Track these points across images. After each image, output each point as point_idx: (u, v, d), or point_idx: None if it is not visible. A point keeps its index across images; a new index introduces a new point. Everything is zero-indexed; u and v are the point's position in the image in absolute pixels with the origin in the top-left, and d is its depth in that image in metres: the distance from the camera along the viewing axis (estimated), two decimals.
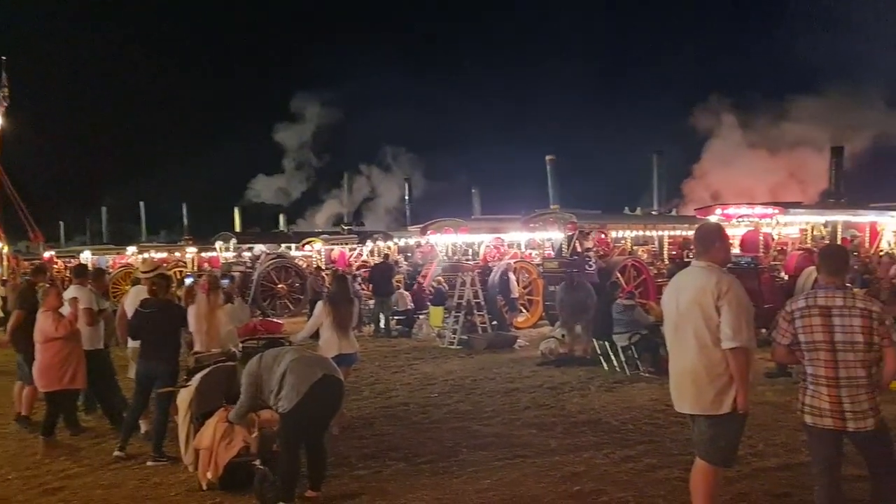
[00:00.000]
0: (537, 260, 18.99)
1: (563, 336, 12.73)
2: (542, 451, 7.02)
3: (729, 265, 4.93)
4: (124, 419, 7.70)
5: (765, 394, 8.91)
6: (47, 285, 8.70)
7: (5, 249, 21.39)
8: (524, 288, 18.01)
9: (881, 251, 18.27)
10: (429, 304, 17.53)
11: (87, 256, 30.31)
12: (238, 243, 28.06)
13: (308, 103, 47.34)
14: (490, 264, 18.14)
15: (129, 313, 7.90)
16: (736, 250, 14.50)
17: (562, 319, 13.03)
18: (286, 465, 5.64)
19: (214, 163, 50.25)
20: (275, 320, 18.01)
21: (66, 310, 7.76)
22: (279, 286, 22.77)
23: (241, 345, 8.59)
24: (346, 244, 27.68)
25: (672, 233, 18.43)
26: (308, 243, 27.89)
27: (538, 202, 25.03)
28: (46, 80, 54.15)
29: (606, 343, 11.45)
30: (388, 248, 26.25)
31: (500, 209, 27.22)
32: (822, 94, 31.05)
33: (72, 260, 28.39)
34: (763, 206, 15.53)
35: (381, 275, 17.68)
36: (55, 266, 26.70)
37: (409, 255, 26.01)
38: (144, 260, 19.96)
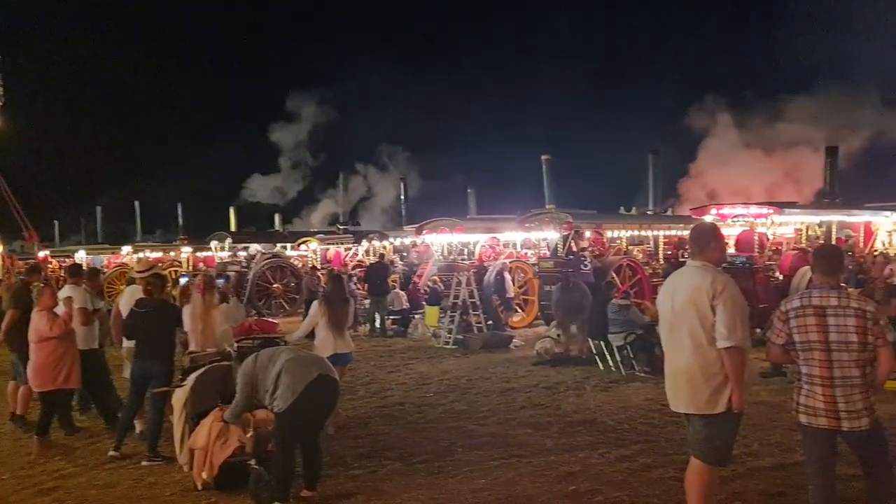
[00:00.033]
0: (533, 260, 19.00)
1: (558, 336, 12.74)
2: (538, 450, 7.03)
3: (724, 265, 4.94)
4: (119, 419, 7.69)
5: (760, 393, 8.93)
6: (42, 285, 8.67)
7: (0, 249, 21.33)
8: (520, 288, 18.02)
9: (875, 251, 18.32)
10: (424, 303, 17.53)
11: (81, 256, 30.25)
12: (233, 243, 28.03)
13: (304, 102, 47.42)
14: (486, 264, 18.15)
15: (124, 313, 7.88)
16: (731, 250, 14.52)
17: (557, 319, 13.04)
18: (281, 465, 5.63)
19: (210, 162, 50.22)
20: (270, 320, 17.99)
21: (60, 309, 7.74)
22: (274, 286, 22.76)
23: (236, 344, 8.57)
24: (342, 244, 27.67)
25: (667, 233, 18.47)
26: (304, 243, 27.88)
27: (534, 202, 25.09)
28: (42, 80, 54.11)
29: (602, 343, 11.46)
30: (384, 247, 26.24)
31: (496, 209, 27.24)
32: (817, 94, 31.17)
33: (67, 259, 28.31)
34: (758, 205, 15.54)
35: (376, 274, 17.67)
36: (50, 265, 26.67)
37: (405, 254, 26.01)
38: (139, 259, 19.93)
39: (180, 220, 44.33)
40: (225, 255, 27.27)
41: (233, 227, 39.67)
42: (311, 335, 8.31)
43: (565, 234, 15.88)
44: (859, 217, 18.53)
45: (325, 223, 40.47)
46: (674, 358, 4.67)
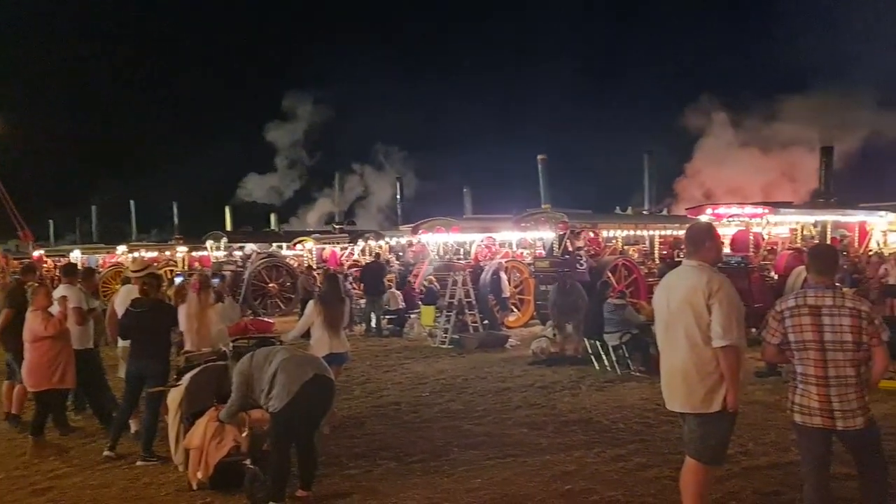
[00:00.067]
0: (528, 259, 19.01)
1: (554, 335, 12.76)
2: (533, 450, 7.03)
3: (719, 264, 4.95)
4: (114, 419, 7.67)
5: (755, 393, 8.95)
6: (37, 284, 8.65)
7: None
8: (515, 287, 18.03)
9: (870, 251, 18.38)
10: (420, 303, 17.53)
11: (76, 255, 30.19)
12: (229, 242, 27.99)
13: (300, 102, 47.33)
14: (481, 264, 18.14)
15: (119, 312, 7.87)
16: (726, 250, 14.55)
17: (553, 319, 13.05)
18: (277, 465, 5.63)
19: (205, 162, 50.10)
20: (266, 319, 17.98)
21: (55, 309, 7.72)
22: (270, 285, 22.74)
23: (231, 344, 8.55)
24: (338, 243, 27.65)
25: (663, 232, 18.49)
26: (299, 242, 27.85)
27: (529, 202, 25.02)
28: (37, 79, 53.95)
29: (597, 342, 11.48)
30: (380, 247, 26.23)
31: (492, 209, 27.22)
32: (812, 94, 31.20)
33: (61, 259, 28.25)
34: (753, 205, 15.58)
35: (372, 274, 17.66)
36: (45, 265, 26.57)
37: (401, 254, 26.00)
38: (134, 259, 19.91)
39: (176, 220, 44.17)
40: (220, 254, 27.24)
41: (228, 227, 39.54)
42: (306, 335, 8.30)
43: (561, 233, 15.90)
44: (854, 217, 18.58)
45: (322, 223, 40.38)
46: (669, 357, 4.68)
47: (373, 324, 16.96)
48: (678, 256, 16.30)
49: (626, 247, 18.42)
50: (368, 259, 22.41)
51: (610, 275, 14.97)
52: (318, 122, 47.33)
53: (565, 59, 56.87)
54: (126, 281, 9.81)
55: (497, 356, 13.10)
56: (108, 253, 33.10)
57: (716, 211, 15.21)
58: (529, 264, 18.19)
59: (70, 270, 8.85)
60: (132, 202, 45.81)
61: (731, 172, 28.82)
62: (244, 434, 6.11)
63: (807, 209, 17.84)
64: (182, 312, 8.15)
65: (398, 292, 18.37)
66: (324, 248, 27.47)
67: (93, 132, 62.54)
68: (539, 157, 25.82)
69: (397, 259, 24.70)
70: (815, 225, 16.65)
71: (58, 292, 8.13)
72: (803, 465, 4.52)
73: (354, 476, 6.45)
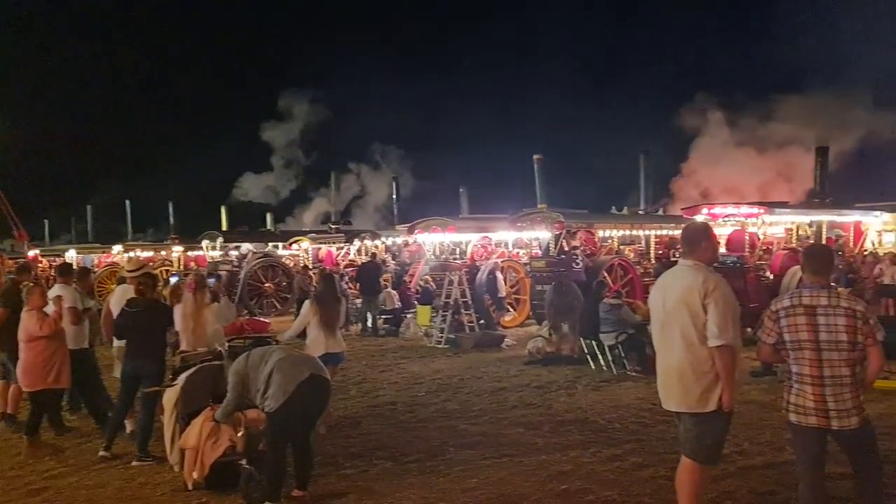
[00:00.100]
0: (525, 259, 19.02)
1: (550, 335, 12.76)
2: (529, 449, 7.04)
3: (715, 264, 4.96)
4: (109, 419, 7.66)
5: (750, 392, 8.97)
6: (32, 284, 8.63)
7: None
8: (511, 287, 18.05)
9: (865, 251, 18.44)
10: (416, 303, 17.53)
11: (72, 255, 30.11)
12: (225, 242, 27.96)
13: (296, 101, 47.31)
14: (477, 263, 18.16)
15: (115, 312, 7.85)
16: (722, 250, 14.57)
17: (549, 319, 13.06)
18: (272, 465, 5.62)
19: (201, 161, 50.14)
20: (262, 319, 18.00)
21: (50, 309, 7.70)
22: (266, 285, 22.72)
23: (227, 344, 8.55)
24: (334, 243, 27.64)
25: (659, 232, 18.51)
26: (295, 242, 27.83)
27: (526, 201, 25.08)
28: (32, 79, 53.82)
29: (593, 342, 11.49)
30: (376, 246, 26.22)
31: (488, 208, 27.24)
32: (808, 94, 31.29)
33: (57, 259, 28.17)
34: (749, 205, 15.60)
35: (368, 274, 17.66)
36: (40, 265, 26.50)
37: (397, 253, 25.99)
38: (130, 259, 19.86)
39: (171, 220, 44.12)
40: (216, 254, 27.20)
41: (224, 227, 39.51)
42: (302, 334, 8.29)
43: (557, 233, 15.91)
44: (849, 217, 18.64)
45: (318, 222, 40.38)
46: (665, 357, 4.68)
47: (369, 323, 16.96)
48: (674, 256, 16.32)
49: (622, 247, 18.43)
50: (364, 259, 22.42)
51: (606, 275, 14.98)
52: (315, 121, 47.37)
53: (562, 59, 56.97)
54: (122, 281, 9.80)
55: (493, 356, 13.10)
56: (103, 253, 33.01)
57: (711, 211, 15.23)
58: (525, 264, 18.20)
59: (65, 270, 8.83)
60: (128, 202, 45.83)
61: (727, 172, 28.88)
62: (240, 434, 6.11)
63: (802, 209, 17.89)
64: (178, 312, 8.14)
65: (394, 292, 18.36)
66: (320, 248, 27.45)
67: (88, 132, 62.47)
68: (535, 156, 25.86)
69: (393, 259, 24.70)
70: (810, 225, 16.69)
71: (53, 292, 8.11)
72: (798, 464, 4.53)
73: (350, 476, 6.45)
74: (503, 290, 17.14)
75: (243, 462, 5.91)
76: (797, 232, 16.50)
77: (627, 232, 18.35)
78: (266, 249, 26.71)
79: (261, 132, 47.76)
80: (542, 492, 5.87)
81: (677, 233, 17.23)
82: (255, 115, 55.35)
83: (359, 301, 17.83)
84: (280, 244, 28.61)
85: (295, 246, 27.78)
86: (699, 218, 14.51)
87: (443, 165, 43.55)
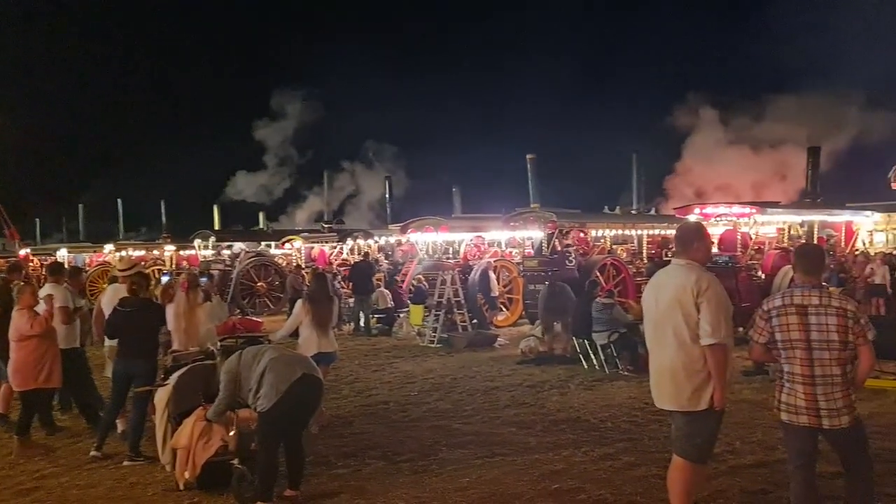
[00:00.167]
0: (517, 258, 19.03)
1: (542, 334, 12.77)
2: (522, 449, 7.04)
3: (707, 264, 4.97)
4: (101, 418, 7.63)
5: (742, 392, 9.00)
6: (23, 283, 8.59)
7: None
8: (504, 286, 18.06)
9: (856, 250, 18.53)
10: (409, 302, 17.52)
11: (63, 254, 30.00)
12: (217, 241, 27.89)
13: (289, 99, 47.25)
14: (470, 263, 18.17)
15: (106, 312, 7.82)
16: (714, 249, 14.61)
17: (541, 318, 13.07)
18: (264, 464, 5.61)
19: (193, 160, 49.94)
20: (254, 318, 17.94)
21: (41, 308, 7.67)
22: (258, 284, 22.68)
23: (219, 343, 8.52)
24: (326, 242, 27.61)
25: (651, 232, 18.55)
26: (288, 241, 27.78)
27: (518, 201, 25.08)
28: (22, 77, 53.56)
29: (586, 341, 11.50)
30: (369, 246, 26.19)
31: (481, 208, 27.29)
32: (800, 94, 31.45)
33: (48, 258, 28.06)
34: (741, 205, 15.66)
35: (361, 273, 17.64)
36: (31, 264, 26.39)
37: (390, 253, 25.97)
38: (122, 258, 19.79)
39: (163, 219, 44.00)
40: (209, 253, 27.13)
41: (217, 226, 39.41)
42: (294, 334, 8.28)
43: (549, 232, 15.93)
44: (840, 217, 18.72)
45: (311, 221, 40.34)
46: (658, 355, 4.70)
47: (361, 323, 16.95)
48: (666, 256, 16.37)
49: (614, 246, 18.46)
50: (357, 258, 22.40)
51: (598, 274, 15.00)
52: (308, 120, 47.33)
53: (555, 59, 57.00)
54: (113, 280, 9.76)
55: (486, 355, 13.10)
56: (94, 252, 32.89)
57: (704, 210, 15.28)
58: (518, 263, 18.21)
59: (56, 269, 8.79)
60: (119, 200, 45.63)
61: (721, 170, 29.01)
62: (231, 433, 6.08)
63: (794, 209, 17.97)
64: (170, 311, 8.12)
65: (387, 291, 18.35)
66: (312, 247, 27.42)
67: (80, 130, 62.21)
68: (528, 156, 25.86)
69: (386, 258, 24.68)
70: (801, 225, 16.76)
71: (44, 291, 8.08)
72: (790, 463, 4.54)
73: (343, 475, 6.44)
74: (496, 289, 17.14)
75: (235, 462, 5.89)
76: (789, 232, 16.57)
77: (620, 231, 18.39)
78: (259, 249, 26.65)
79: (254, 131, 47.73)
80: (535, 491, 5.87)
81: (669, 232, 17.33)
82: (248, 114, 55.29)
83: (351, 300, 17.80)
84: (273, 243, 28.56)
85: (287, 245, 27.73)
86: (691, 217, 14.57)
87: (436, 165, 43.67)
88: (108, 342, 8.03)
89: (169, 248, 29.50)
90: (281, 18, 73.59)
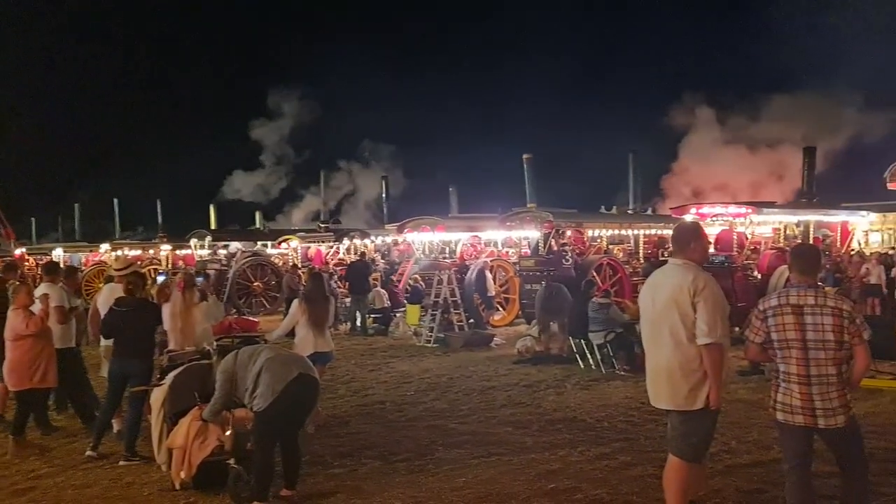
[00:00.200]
0: (514, 258, 19.04)
1: (539, 334, 12.78)
2: (518, 448, 7.04)
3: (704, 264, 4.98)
4: (97, 418, 7.61)
5: (737, 391, 9.01)
6: (18, 283, 8.57)
7: None
8: (501, 286, 18.06)
9: (852, 250, 18.57)
10: (405, 301, 17.51)
11: (59, 254, 29.92)
12: (213, 241, 27.85)
13: (286, 98, 47.21)
14: (467, 262, 18.16)
15: (102, 311, 7.81)
16: (710, 249, 14.63)
17: (538, 318, 13.08)
18: (260, 464, 5.60)
19: (189, 159, 49.88)
20: (250, 318, 17.95)
21: (37, 307, 7.65)
22: (255, 284, 22.66)
23: (215, 343, 8.52)
24: (323, 242, 27.59)
25: (647, 231, 18.56)
26: (284, 241, 27.75)
27: (515, 201, 25.04)
28: (17, 75, 53.44)
29: (582, 341, 11.51)
30: (365, 246, 26.17)
31: (478, 208, 27.22)
32: (796, 94, 31.51)
33: (43, 257, 27.99)
34: (737, 205, 15.69)
35: (357, 273, 17.64)
36: (27, 263, 26.32)
37: (387, 253, 25.96)
38: (117, 258, 19.72)
39: (160, 218, 43.91)
40: (205, 253, 27.10)
41: (213, 225, 39.34)
42: (291, 334, 8.27)
43: (546, 232, 15.93)
44: (836, 217, 18.76)
45: (308, 220, 40.30)
46: (655, 355, 4.71)
47: (358, 323, 16.94)
48: (663, 255, 16.39)
49: (610, 246, 18.47)
50: (354, 258, 22.39)
51: (595, 274, 15.01)
52: (305, 119, 47.30)
53: (551, 59, 56.92)
54: (109, 279, 9.75)
55: (482, 355, 13.11)
56: (91, 251, 32.80)
57: (700, 210, 15.31)
58: (515, 263, 18.22)
59: (52, 269, 8.78)
60: (115, 200, 45.55)
61: (718, 170, 29.04)
62: (228, 433, 6.08)
63: (790, 209, 17.99)
64: (166, 311, 8.11)
65: (383, 291, 18.34)
66: (309, 247, 27.40)
67: (76, 129, 62.08)
68: (524, 156, 25.84)
69: (383, 258, 24.67)
70: (797, 225, 16.79)
71: (39, 291, 8.06)
72: (785, 462, 4.55)
73: (339, 475, 6.44)
74: (492, 289, 17.15)
75: (231, 461, 5.88)
76: (785, 231, 16.60)
77: (616, 231, 18.40)
78: (255, 248, 26.62)
79: (250, 130, 47.68)
80: (531, 490, 5.87)
81: (666, 232, 17.36)
82: (244, 113, 55.22)
83: (348, 300, 17.80)
84: (269, 243, 28.52)
85: (284, 245, 27.71)
86: (687, 217, 14.58)
87: (432, 164, 43.62)
88: (103, 342, 8.01)
89: (165, 248, 29.47)
90: (278, 18, 73.54)
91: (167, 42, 70.23)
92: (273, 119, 47.57)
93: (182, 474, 6.07)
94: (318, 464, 6.68)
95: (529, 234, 18.12)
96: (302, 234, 29.01)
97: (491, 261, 18.13)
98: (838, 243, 18.92)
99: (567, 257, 15.27)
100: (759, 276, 14.29)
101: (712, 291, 4.50)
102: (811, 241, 15.34)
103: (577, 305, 11.89)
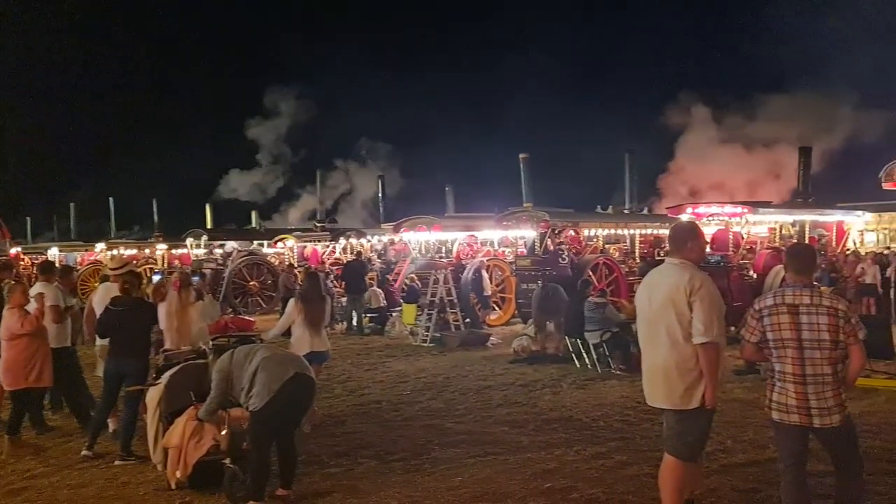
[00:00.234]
0: (510, 258, 19.05)
1: (535, 334, 12.79)
2: (514, 448, 7.05)
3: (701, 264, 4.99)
4: (92, 418, 7.59)
5: (733, 391, 9.02)
6: (13, 282, 8.55)
7: None
8: (497, 286, 18.07)
9: (847, 250, 18.62)
10: (401, 300, 17.51)
11: (54, 253, 29.85)
12: (209, 240, 27.82)
13: (282, 98, 47.18)
14: (463, 262, 18.17)
15: (98, 311, 7.80)
16: (708, 249, 14.66)
17: (534, 318, 13.09)
18: (256, 464, 5.60)
19: (185, 159, 49.81)
20: (246, 318, 17.92)
21: (32, 307, 7.63)
22: (251, 283, 22.64)
23: (211, 342, 8.51)
24: (319, 241, 27.57)
25: (643, 231, 18.59)
26: (280, 240, 27.73)
27: (511, 200, 25.09)
28: (12, 74, 53.28)
29: (578, 341, 11.52)
30: (361, 245, 26.17)
31: (474, 207, 27.28)
32: (792, 94, 31.58)
33: (39, 256, 27.92)
34: (733, 205, 15.72)
35: (353, 272, 17.62)
36: (22, 263, 26.25)
37: (383, 252, 25.95)
38: (113, 257, 19.73)
39: (155, 217, 43.86)
40: (201, 252, 27.06)
41: (209, 224, 39.30)
42: (287, 333, 8.27)
43: (542, 232, 15.95)
44: (832, 217, 18.81)
45: (305, 219, 40.29)
46: (651, 354, 4.71)
47: (354, 322, 16.93)
48: (658, 255, 16.41)
49: (606, 245, 18.50)
50: (350, 257, 22.38)
51: (591, 273, 15.04)
52: (302, 118, 47.27)
53: (548, 59, 56.91)
54: (105, 279, 9.72)
55: (478, 354, 13.11)
56: (86, 250, 32.76)
57: (696, 210, 15.34)
58: (511, 263, 18.23)
59: (47, 268, 8.76)
60: (111, 199, 45.47)
61: (714, 169, 29.09)
62: (223, 432, 6.07)
63: (785, 209, 18.04)
64: (162, 310, 8.09)
65: (379, 290, 18.34)
66: (305, 246, 27.38)
67: (71, 128, 61.95)
68: (521, 155, 25.87)
69: (379, 257, 24.66)
70: (793, 224, 16.83)
71: (35, 290, 8.03)
72: (781, 461, 4.56)
73: (335, 475, 6.44)
74: (489, 288, 17.16)
75: (227, 461, 5.88)
76: (780, 231, 16.64)
77: (612, 231, 18.42)
78: (251, 248, 26.59)
79: (247, 129, 47.64)
80: (527, 490, 5.88)
81: (662, 232, 17.38)
82: (241, 112, 55.11)
83: (344, 299, 17.79)
84: (265, 242, 28.49)
85: (280, 244, 27.69)
86: (683, 217, 14.61)
87: (429, 164, 43.59)
88: (99, 341, 7.99)
89: (161, 247, 29.42)
90: (275, 17, 73.43)
91: (164, 42, 70.05)
92: (270, 118, 47.60)
93: (178, 474, 6.06)
94: (314, 463, 6.67)
95: (526, 233, 18.14)
96: (298, 233, 29.00)
97: (487, 260, 18.15)
98: (834, 243, 18.97)
99: (563, 257, 15.29)
100: (755, 276, 14.33)
101: (708, 291, 4.51)
102: (807, 241, 15.39)
103: (573, 305, 11.90)
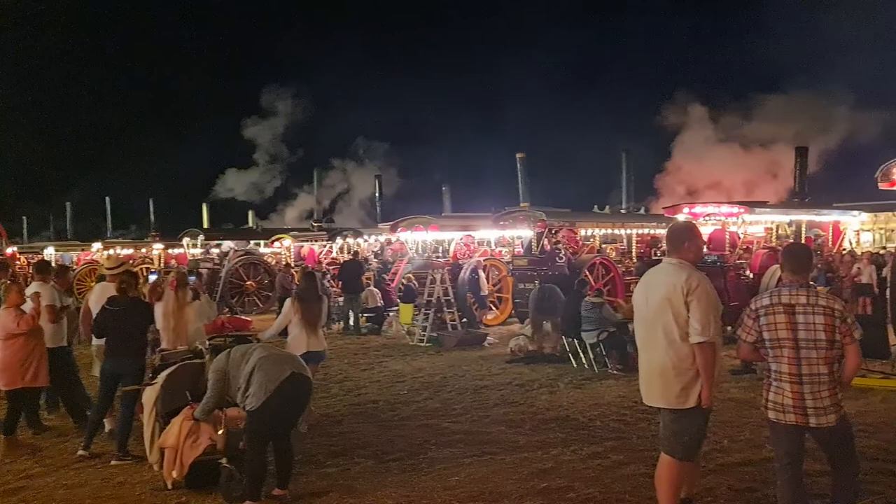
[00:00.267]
0: (507, 258, 19.05)
1: (532, 333, 12.79)
2: (511, 447, 7.05)
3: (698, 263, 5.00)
4: (88, 417, 7.58)
5: (729, 391, 9.03)
6: (9, 282, 8.54)
7: None
8: (494, 285, 18.07)
9: (844, 250, 18.65)
10: (398, 300, 17.51)
11: (50, 252, 29.82)
12: (206, 240, 27.79)
13: (279, 97, 47.11)
14: (460, 262, 18.17)
15: (94, 310, 7.78)
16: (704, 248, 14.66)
17: (531, 318, 13.09)
18: (253, 464, 5.59)
19: (182, 158, 49.76)
20: (243, 317, 17.88)
21: (28, 306, 7.62)
22: (248, 283, 22.60)
23: (208, 342, 8.50)
24: (316, 241, 27.55)
25: (640, 231, 18.61)
26: (277, 240, 27.71)
27: (508, 200, 25.10)
28: (9, 74, 53.20)
29: (575, 340, 11.53)
30: (358, 245, 26.16)
31: (471, 207, 27.31)
32: (789, 94, 31.62)
33: (35, 256, 27.88)
34: (729, 205, 15.74)
35: (350, 272, 17.62)
36: (18, 262, 26.21)
37: (380, 252, 25.94)
38: (109, 256, 19.64)
39: (152, 217, 43.80)
40: (197, 251, 27.02)
41: (206, 224, 39.22)
42: (283, 333, 8.26)
43: (539, 231, 15.96)
44: (828, 216, 18.84)
45: (302, 219, 40.26)
46: (648, 353, 4.73)
47: (351, 322, 16.92)
48: (655, 255, 16.43)
49: (603, 245, 18.51)
50: (347, 257, 22.37)
51: (588, 273, 15.04)
52: (299, 117, 47.23)
53: (545, 58, 57.00)
54: (101, 278, 9.70)
55: (475, 354, 13.11)
56: (82, 250, 32.71)
57: (692, 210, 15.34)
58: (508, 262, 18.23)
59: (43, 268, 8.74)
60: (107, 198, 45.38)
61: (711, 169, 29.11)
62: (220, 432, 6.06)
63: (782, 209, 18.06)
64: (158, 310, 8.08)
65: (376, 290, 18.33)
66: (302, 246, 27.36)
67: (67, 128, 61.84)
68: (518, 155, 25.88)
69: (376, 257, 24.66)
70: (789, 224, 16.85)
71: (31, 290, 8.02)
72: (777, 461, 4.56)
73: (332, 474, 6.43)
74: (485, 288, 17.16)
75: (223, 461, 5.87)
76: (777, 231, 16.65)
77: (609, 231, 18.43)
78: (248, 247, 26.56)
79: (243, 128, 47.57)
80: (524, 489, 5.88)
81: (659, 231, 17.40)
82: (238, 111, 55.11)
83: (341, 299, 17.78)
84: (262, 242, 28.46)
85: (277, 244, 27.66)
86: (680, 217, 14.62)
87: (426, 163, 43.66)
88: (95, 341, 7.98)
89: (157, 247, 29.37)
90: (272, 16, 73.36)
91: (161, 41, 70.01)
92: (267, 117, 47.50)
93: (174, 474, 6.05)
94: (310, 463, 6.67)
95: (522, 233, 18.14)
96: (295, 232, 28.98)
97: (484, 260, 18.15)
98: (830, 243, 19.00)
99: (560, 256, 15.29)
100: (752, 276, 14.34)
101: (705, 290, 4.52)
102: (803, 241, 15.41)
103: (569, 305, 11.90)
